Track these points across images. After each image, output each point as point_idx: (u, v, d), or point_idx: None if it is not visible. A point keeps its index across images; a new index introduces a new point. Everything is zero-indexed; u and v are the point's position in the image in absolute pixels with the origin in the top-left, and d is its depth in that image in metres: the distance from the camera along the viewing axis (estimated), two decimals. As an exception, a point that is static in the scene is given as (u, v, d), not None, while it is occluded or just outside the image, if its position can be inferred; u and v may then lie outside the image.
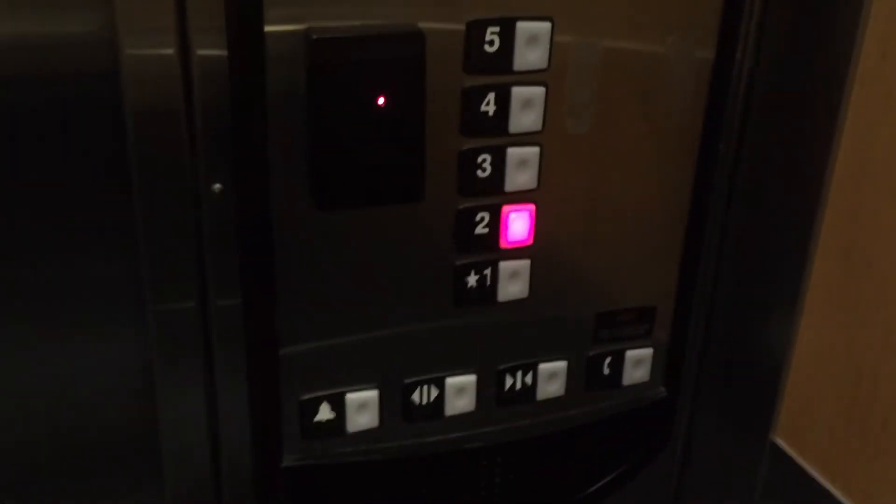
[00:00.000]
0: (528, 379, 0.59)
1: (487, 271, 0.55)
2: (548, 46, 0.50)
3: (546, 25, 0.49)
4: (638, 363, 0.62)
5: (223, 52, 0.45)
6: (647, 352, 0.62)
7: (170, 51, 0.44)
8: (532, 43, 0.49)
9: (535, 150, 0.52)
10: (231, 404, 0.53)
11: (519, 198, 0.53)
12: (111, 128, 0.49)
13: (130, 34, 0.44)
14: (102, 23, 0.44)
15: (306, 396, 0.54)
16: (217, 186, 0.48)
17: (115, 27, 0.43)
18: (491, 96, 0.50)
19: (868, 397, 0.52)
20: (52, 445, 0.56)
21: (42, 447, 0.56)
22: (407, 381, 0.56)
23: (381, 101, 0.47)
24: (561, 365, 0.60)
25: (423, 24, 0.47)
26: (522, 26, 0.49)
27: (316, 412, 0.55)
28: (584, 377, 0.61)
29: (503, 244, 0.54)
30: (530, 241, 0.55)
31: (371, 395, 0.55)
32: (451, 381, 0.57)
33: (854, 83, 0.51)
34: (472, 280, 0.55)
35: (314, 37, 0.45)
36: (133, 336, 0.56)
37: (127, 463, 0.57)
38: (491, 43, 0.48)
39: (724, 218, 0.60)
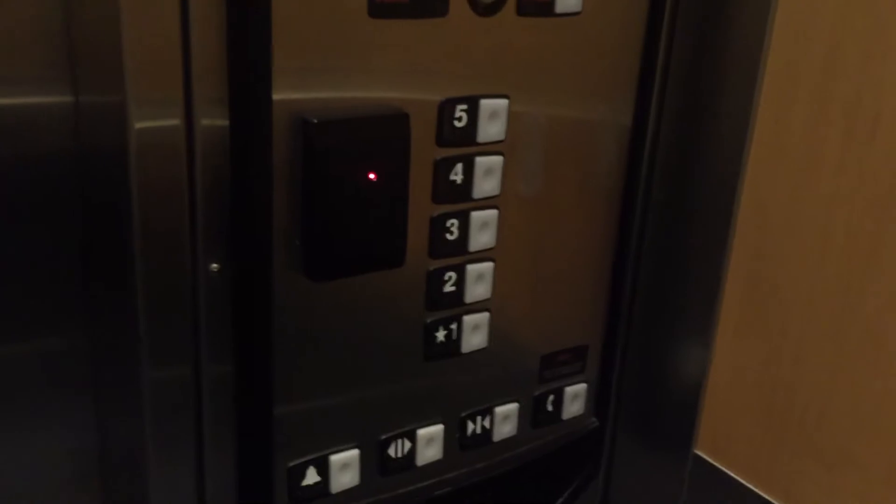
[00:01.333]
0: (487, 422, 0.64)
1: (454, 326, 0.59)
2: (505, 120, 0.55)
3: (504, 102, 0.55)
4: (575, 398, 0.69)
5: (225, 123, 0.47)
6: (581, 387, 0.69)
7: (176, 122, 0.46)
8: (493, 118, 0.55)
9: (494, 212, 0.57)
10: (218, 474, 0.54)
11: (480, 257, 0.58)
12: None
13: (139, 106, 0.45)
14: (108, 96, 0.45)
15: (293, 462, 0.56)
16: (215, 266, 0.49)
17: (124, 100, 0.44)
18: (459, 166, 0.55)
19: (784, 405, 0.61)
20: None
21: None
22: (383, 436, 0.59)
23: (371, 177, 0.50)
24: (513, 407, 0.65)
25: (398, 101, 0.51)
26: (485, 103, 0.54)
27: (303, 476, 0.56)
28: (531, 415, 0.67)
29: (467, 299, 0.59)
30: (489, 295, 0.60)
31: (352, 454, 0.58)
32: (422, 433, 0.61)
33: (752, 142, 0.60)
34: (440, 335, 0.59)
35: (314, 120, 0.48)
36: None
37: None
38: (459, 119, 0.54)
39: (641, 261, 0.68)
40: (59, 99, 0.49)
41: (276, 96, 0.47)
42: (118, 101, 0.44)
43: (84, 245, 0.52)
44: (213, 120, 0.46)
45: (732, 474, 0.66)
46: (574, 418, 0.69)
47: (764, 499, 0.64)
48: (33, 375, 0.54)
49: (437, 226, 0.56)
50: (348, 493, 0.58)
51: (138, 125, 0.45)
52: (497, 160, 0.56)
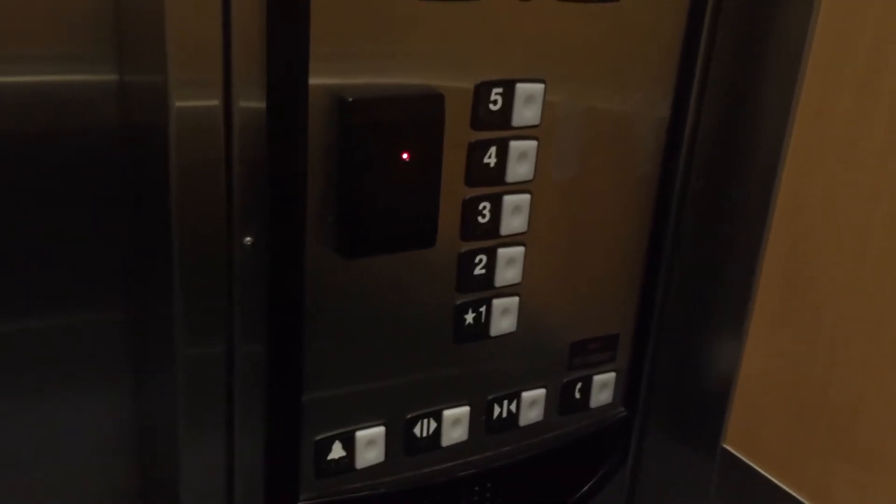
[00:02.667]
0: (513, 407, 0.64)
1: (483, 309, 0.59)
2: (540, 105, 0.55)
3: (540, 87, 0.55)
4: (603, 386, 0.69)
5: (262, 105, 0.47)
6: (611, 376, 0.69)
7: (215, 102, 0.47)
8: (528, 102, 0.55)
9: (527, 196, 0.58)
10: (246, 447, 0.55)
11: (512, 241, 0.58)
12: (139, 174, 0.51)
13: (180, 87, 0.46)
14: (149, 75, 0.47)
15: (320, 436, 0.57)
16: (248, 240, 0.50)
17: (166, 80, 0.45)
18: (493, 150, 0.55)
19: (816, 401, 0.60)
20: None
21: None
22: (409, 415, 0.60)
23: (405, 156, 0.51)
24: (540, 392, 0.65)
25: (434, 83, 0.52)
26: (521, 87, 0.54)
27: (329, 451, 0.57)
28: (558, 402, 0.67)
29: (497, 283, 0.59)
30: (519, 280, 0.60)
31: (378, 431, 0.58)
32: (448, 414, 0.61)
33: (792, 134, 0.59)
34: (469, 317, 0.59)
35: (349, 98, 0.48)
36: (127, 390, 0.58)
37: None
38: (495, 102, 0.54)
39: (676, 251, 0.68)
40: (106, 77, 0.51)
41: (312, 80, 0.48)
42: (160, 80, 0.46)
43: (126, 220, 0.54)
44: (250, 102, 0.47)
45: (761, 470, 0.65)
46: (602, 407, 0.69)
47: (793, 496, 0.63)
48: (76, 347, 0.56)
49: (470, 208, 0.56)
50: (373, 470, 0.59)
51: (179, 104, 0.46)
52: (531, 145, 0.56)
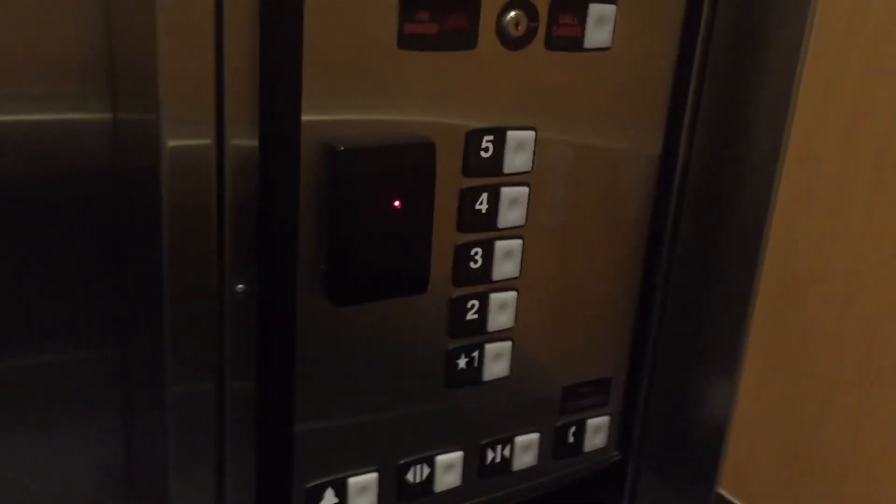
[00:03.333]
0: (507, 451, 0.64)
1: (475, 353, 0.59)
2: (532, 151, 0.56)
3: (531, 134, 0.56)
4: (597, 430, 0.68)
5: (254, 143, 0.48)
6: (604, 419, 0.68)
7: (208, 141, 0.47)
8: (519, 149, 0.55)
9: (519, 242, 0.58)
10: (237, 491, 0.55)
11: (504, 286, 0.59)
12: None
13: (172, 125, 0.46)
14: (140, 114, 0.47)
15: (311, 483, 0.56)
16: (241, 287, 0.50)
17: (158, 118, 0.46)
18: (484, 196, 0.55)
19: (807, 449, 0.60)
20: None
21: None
22: (402, 461, 0.59)
23: (396, 204, 0.51)
24: (533, 437, 0.65)
25: (425, 130, 0.52)
26: (512, 135, 0.55)
27: (321, 498, 0.57)
28: (551, 446, 0.66)
29: (490, 328, 0.59)
30: (512, 324, 0.60)
31: (371, 477, 0.58)
32: (441, 459, 0.61)
33: (781, 180, 0.60)
34: (462, 362, 0.59)
35: (340, 147, 0.49)
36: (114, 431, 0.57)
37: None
38: (486, 149, 0.54)
39: (668, 294, 0.68)
40: (98, 116, 0.51)
41: (304, 118, 0.48)
42: (152, 119, 0.46)
43: (116, 260, 0.54)
44: (243, 140, 0.48)
45: (755, 514, 0.65)
46: (596, 451, 0.69)
47: (786, 541, 0.63)
48: (63, 386, 0.55)
49: (462, 254, 0.56)
50: (366, 517, 0.59)
51: (171, 143, 0.46)
52: (523, 191, 0.57)
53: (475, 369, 0.60)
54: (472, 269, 0.57)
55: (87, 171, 0.52)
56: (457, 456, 0.61)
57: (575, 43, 0.55)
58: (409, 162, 0.51)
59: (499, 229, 0.57)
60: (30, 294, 0.53)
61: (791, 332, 0.60)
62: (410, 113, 0.52)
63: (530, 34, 0.54)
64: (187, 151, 0.47)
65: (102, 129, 0.51)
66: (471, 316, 0.58)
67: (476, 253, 0.57)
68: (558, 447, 0.67)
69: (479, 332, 0.59)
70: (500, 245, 0.57)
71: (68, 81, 0.50)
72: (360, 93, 0.50)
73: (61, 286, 0.53)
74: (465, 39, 0.52)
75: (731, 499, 0.67)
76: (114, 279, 0.54)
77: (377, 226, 0.51)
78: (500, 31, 0.53)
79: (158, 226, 0.47)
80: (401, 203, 0.51)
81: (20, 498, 0.56)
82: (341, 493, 0.57)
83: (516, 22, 0.53)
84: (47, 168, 0.51)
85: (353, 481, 0.57)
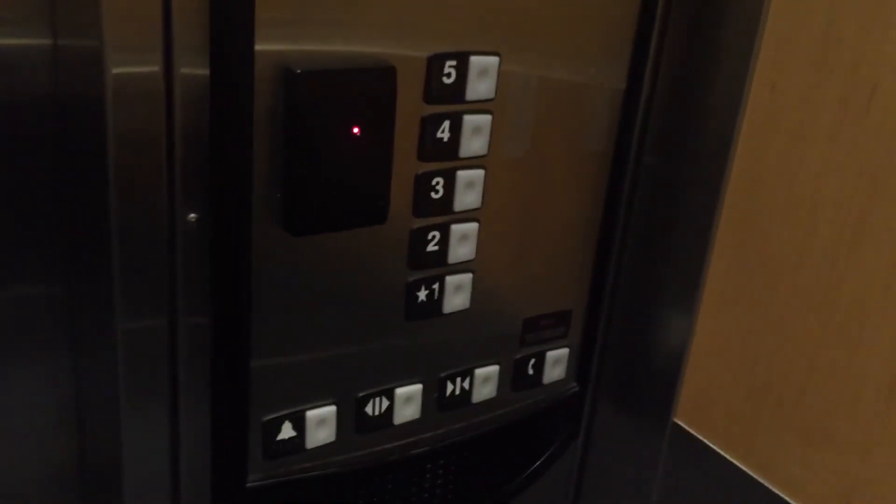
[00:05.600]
0: (466, 384, 0.64)
1: (436, 286, 0.58)
2: (495, 79, 0.54)
3: (495, 60, 0.54)
4: (556, 362, 0.68)
5: (205, 72, 0.45)
6: (563, 352, 0.68)
7: (155, 68, 0.44)
8: (482, 75, 0.54)
9: (481, 172, 0.57)
10: (192, 427, 0.54)
11: (465, 217, 0.57)
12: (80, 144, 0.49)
13: (117, 52, 0.43)
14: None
15: (269, 416, 0.55)
16: (192, 216, 0.48)
17: (101, 45, 0.43)
18: (446, 124, 0.54)
19: (764, 378, 0.61)
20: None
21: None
22: (360, 394, 0.59)
23: (355, 131, 0.49)
24: (493, 369, 0.65)
25: (386, 55, 0.50)
26: (475, 60, 0.53)
27: (279, 431, 0.56)
28: (511, 379, 0.66)
29: (450, 259, 0.58)
30: (473, 256, 0.59)
31: (329, 410, 0.57)
32: (400, 391, 0.60)
33: (745, 111, 0.59)
34: (422, 295, 0.58)
35: (297, 70, 0.47)
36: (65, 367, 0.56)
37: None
38: (448, 75, 0.52)
39: (629, 227, 0.68)
40: (39, 41, 0.48)
41: (258, 47, 0.46)
42: (96, 45, 0.43)
43: (62, 193, 0.51)
44: (193, 69, 0.45)
45: (711, 444, 0.66)
46: (555, 382, 0.69)
47: (741, 470, 0.64)
48: (10, 322, 0.53)
49: (422, 184, 0.55)
50: (324, 450, 0.58)
51: (115, 70, 0.43)
52: (485, 119, 0.55)
53: (435, 302, 0.59)
54: (433, 199, 0.55)
55: (28, 98, 0.49)
56: (416, 388, 0.61)
57: (541, -36, 0.53)
58: (369, 86, 0.49)
59: (461, 158, 0.55)
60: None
61: (752, 263, 0.60)
62: (371, 38, 0.50)
63: (495, -46, 0.51)
64: (133, 79, 0.44)
65: (43, 55, 0.48)
66: (431, 247, 0.57)
67: (437, 183, 0.55)
68: (518, 379, 0.67)
69: (439, 264, 0.58)
70: (462, 175, 0.56)
71: (7, 6, 0.47)
72: (318, 16, 0.47)
73: (4, 220, 0.51)
74: (427, -42, 0.49)
75: (688, 429, 0.67)
76: (60, 213, 0.52)
77: (335, 153, 0.49)
78: (464, -50, 0.50)
79: (104, 156, 0.45)
80: (360, 129, 0.49)
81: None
82: (299, 425, 0.57)
83: (481, -60, 0.50)
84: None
85: (311, 414, 0.57)
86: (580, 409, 0.73)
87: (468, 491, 0.67)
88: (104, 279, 0.49)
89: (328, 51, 0.49)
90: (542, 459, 0.71)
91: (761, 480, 0.63)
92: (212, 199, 0.48)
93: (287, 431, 0.56)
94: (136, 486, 0.53)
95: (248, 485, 0.56)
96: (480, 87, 0.54)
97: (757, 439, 0.63)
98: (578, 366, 0.70)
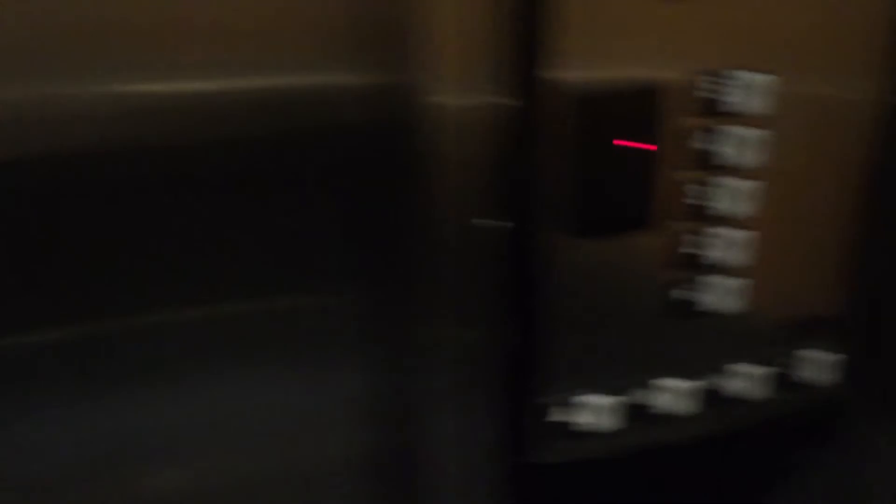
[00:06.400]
0: (731, 383, 0.67)
1: (699, 288, 0.63)
2: (765, 94, 0.58)
3: (767, 78, 0.58)
4: (821, 366, 0.69)
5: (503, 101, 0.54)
6: (829, 356, 0.69)
7: (464, 100, 0.54)
8: (751, 91, 0.58)
9: (748, 182, 0.60)
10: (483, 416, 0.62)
11: (731, 223, 0.61)
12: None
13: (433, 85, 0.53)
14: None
15: (558, 405, 0.62)
16: (498, 224, 0.57)
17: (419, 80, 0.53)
18: (714, 136, 0.58)
19: None
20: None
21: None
22: (628, 387, 0.64)
23: (631, 146, 0.55)
24: (755, 369, 0.67)
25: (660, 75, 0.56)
26: (743, 76, 0.57)
27: (566, 417, 0.63)
28: (773, 380, 0.68)
29: (716, 263, 0.62)
30: (739, 261, 0.63)
31: (612, 400, 0.64)
32: (671, 385, 0.65)
33: None
34: (685, 296, 0.63)
35: (579, 96, 0.54)
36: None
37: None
38: (717, 91, 0.57)
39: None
40: (356, 79, 0.55)
41: (548, 75, 0.54)
42: (414, 80, 0.53)
43: (363, 213, 0.59)
44: (494, 98, 0.54)
45: None
46: (819, 387, 0.70)
47: None
48: (316, 326, 0.60)
49: (691, 192, 0.59)
50: (594, 437, 0.64)
51: (426, 102, 0.53)
52: (752, 132, 0.59)
53: (698, 303, 0.63)
54: (700, 206, 0.60)
55: (343, 130, 0.55)
56: (687, 384, 0.65)
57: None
58: (639, 106, 0.56)
59: (726, 168, 0.59)
60: (291, 245, 0.57)
61: None
62: (646, 59, 0.56)
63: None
64: (440, 110, 0.54)
65: (357, 91, 0.54)
66: (697, 251, 0.61)
67: (704, 192, 0.60)
68: (780, 381, 0.69)
69: (703, 267, 0.62)
70: (728, 183, 0.60)
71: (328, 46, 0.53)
72: (603, 45, 0.54)
73: (328, 236, 0.58)
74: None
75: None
76: (365, 231, 0.59)
77: (611, 166, 0.56)
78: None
79: (414, 174, 0.55)
80: (634, 144, 0.56)
81: (268, 427, 0.62)
82: (583, 412, 0.63)
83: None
84: (308, 129, 0.55)
85: (583, 401, 0.63)
86: (845, 414, 0.73)
87: (725, 485, 0.70)
88: (411, 288, 0.58)
89: (609, 75, 0.55)
90: (800, 460, 0.73)
91: None
92: (510, 210, 0.57)
93: (574, 417, 0.63)
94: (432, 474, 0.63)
95: (547, 462, 0.64)
96: (750, 101, 0.58)
97: None
98: (845, 372, 0.71)
